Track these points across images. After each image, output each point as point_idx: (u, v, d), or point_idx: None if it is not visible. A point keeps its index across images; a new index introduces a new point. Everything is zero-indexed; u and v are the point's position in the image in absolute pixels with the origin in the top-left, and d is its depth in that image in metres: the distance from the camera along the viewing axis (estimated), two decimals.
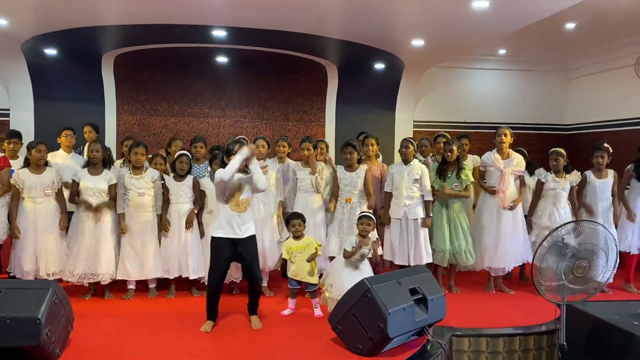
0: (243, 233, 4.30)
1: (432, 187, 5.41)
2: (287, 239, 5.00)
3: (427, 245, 5.35)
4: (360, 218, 4.73)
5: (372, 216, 4.73)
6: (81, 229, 5.02)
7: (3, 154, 5.20)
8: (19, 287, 3.57)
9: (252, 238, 4.41)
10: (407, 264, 5.25)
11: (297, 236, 4.78)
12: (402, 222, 5.34)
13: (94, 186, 5.02)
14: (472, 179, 5.54)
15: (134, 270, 5.15)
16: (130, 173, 5.18)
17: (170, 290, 5.35)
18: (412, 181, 5.33)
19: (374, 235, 4.78)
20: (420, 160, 5.87)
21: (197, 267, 5.23)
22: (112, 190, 5.11)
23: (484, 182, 5.70)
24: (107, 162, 5.24)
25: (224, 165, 4.31)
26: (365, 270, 4.61)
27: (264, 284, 5.40)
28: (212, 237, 4.34)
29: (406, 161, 5.42)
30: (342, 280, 4.48)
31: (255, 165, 4.26)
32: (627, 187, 5.91)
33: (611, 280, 3.71)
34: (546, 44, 9.16)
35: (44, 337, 3.35)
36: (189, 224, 5.19)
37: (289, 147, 5.88)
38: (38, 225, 4.98)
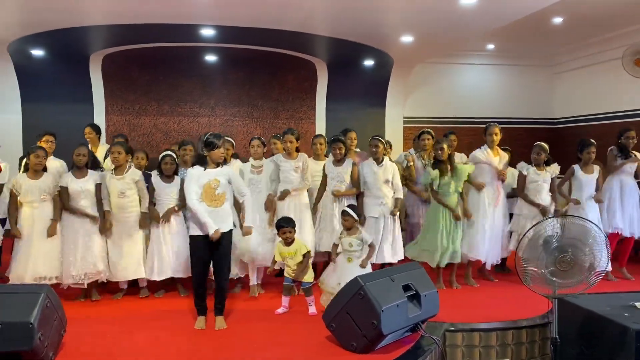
0: (219, 228, 4.25)
1: (430, 186, 5.50)
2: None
3: (401, 242, 5.54)
4: (341, 213, 4.90)
5: (349, 211, 4.78)
6: (74, 230, 4.99)
7: None
8: (11, 292, 3.55)
9: (229, 234, 4.38)
10: (383, 262, 5.38)
11: (288, 243, 4.79)
12: (379, 220, 5.40)
13: (83, 188, 5.00)
14: (466, 169, 5.54)
15: (121, 271, 5.14)
16: (112, 173, 5.15)
17: (159, 291, 5.37)
18: (384, 181, 5.41)
19: (366, 237, 4.83)
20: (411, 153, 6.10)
21: (181, 267, 5.18)
22: (98, 190, 5.08)
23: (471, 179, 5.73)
24: (91, 165, 5.18)
25: (199, 158, 4.31)
26: (357, 265, 4.70)
27: (258, 281, 5.41)
28: (190, 236, 4.35)
29: (377, 160, 5.46)
30: (333, 273, 4.67)
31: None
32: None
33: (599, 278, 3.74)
34: (534, 38, 9.21)
35: (36, 342, 3.32)
36: (165, 219, 5.15)
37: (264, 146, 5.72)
38: (35, 229, 4.95)
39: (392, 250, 5.44)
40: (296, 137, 5.42)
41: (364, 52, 9.03)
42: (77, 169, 5.05)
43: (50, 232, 4.98)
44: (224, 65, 9.74)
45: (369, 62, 9.73)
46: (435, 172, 5.45)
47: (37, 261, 4.93)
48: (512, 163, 6.26)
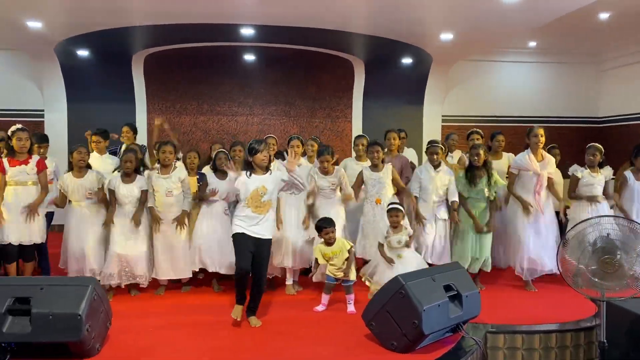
0: (261, 235, 4.34)
1: (460, 195, 5.39)
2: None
3: (449, 246, 5.45)
4: (388, 210, 4.90)
5: (399, 207, 4.86)
6: (117, 232, 5.10)
7: (40, 157, 5.34)
8: (60, 284, 3.65)
9: (268, 242, 4.44)
10: (431, 262, 5.28)
11: (330, 243, 4.79)
12: (428, 222, 5.34)
13: (129, 194, 5.10)
14: (502, 183, 5.44)
15: (165, 270, 5.24)
16: (159, 172, 5.25)
17: (184, 287, 5.45)
18: (441, 188, 5.33)
19: (410, 229, 4.92)
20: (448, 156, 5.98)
21: (226, 262, 5.24)
22: (144, 195, 5.17)
23: (515, 189, 5.54)
24: (138, 169, 5.27)
25: (247, 164, 4.40)
26: (410, 258, 4.79)
27: (295, 278, 5.44)
28: (234, 234, 4.39)
29: (435, 166, 5.39)
30: (383, 269, 4.78)
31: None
32: None
33: None
34: (579, 35, 8.95)
35: (84, 333, 3.43)
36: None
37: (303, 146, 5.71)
38: (81, 226, 5.11)
39: (440, 253, 5.37)
40: (332, 155, 5.33)
41: (402, 49, 8.95)
42: (125, 174, 5.15)
43: (108, 220, 5.10)
44: (262, 65, 9.82)
45: (407, 60, 9.65)
46: (461, 180, 5.39)
47: (90, 259, 5.08)
48: (561, 162, 6.07)
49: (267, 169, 4.42)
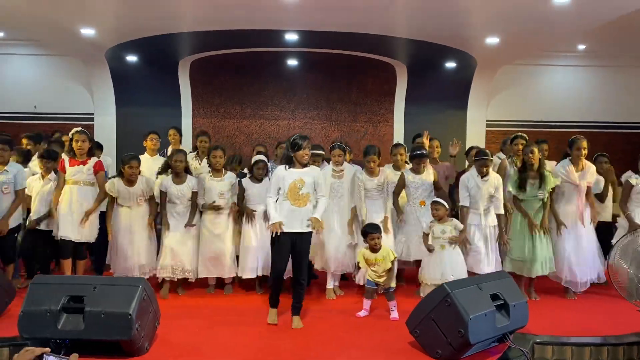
0: (301, 228, 4.33)
1: (514, 196, 5.31)
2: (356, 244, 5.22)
3: (498, 253, 5.33)
4: (431, 203, 5.11)
5: (441, 201, 5.02)
6: (172, 228, 5.26)
7: (98, 159, 5.51)
8: (112, 284, 3.77)
9: (308, 235, 4.43)
10: (479, 272, 5.13)
11: (375, 249, 4.77)
12: (477, 228, 5.23)
13: (180, 194, 5.26)
14: (554, 183, 5.29)
15: (211, 269, 5.35)
16: (210, 175, 5.36)
17: (227, 288, 5.50)
18: (489, 196, 5.22)
19: (459, 224, 5.02)
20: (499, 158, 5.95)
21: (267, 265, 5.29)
22: (194, 197, 5.31)
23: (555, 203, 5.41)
24: (188, 169, 5.43)
25: (287, 159, 4.40)
26: (454, 253, 4.92)
27: (336, 283, 5.45)
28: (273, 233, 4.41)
29: (482, 174, 5.29)
30: (433, 266, 4.94)
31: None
32: None
33: None
34: (631, 37, 8.65)
35: (134, 332, 3.52)
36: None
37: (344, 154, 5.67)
38: (131, 228, 5.27)
39: (489, 261, 5.21)
40: (378, 155, 5.34)
41: (446, 53, 8.87)
42: (175, 174, 5.30)
43: (149, 222, 5.32)
44: (305, 69, 9.91)
45: (450, 64, 9.55)
46: (513, 182, 5.33)
47: (139, 258, 5.26)
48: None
49: (304, 165, 4.42)
